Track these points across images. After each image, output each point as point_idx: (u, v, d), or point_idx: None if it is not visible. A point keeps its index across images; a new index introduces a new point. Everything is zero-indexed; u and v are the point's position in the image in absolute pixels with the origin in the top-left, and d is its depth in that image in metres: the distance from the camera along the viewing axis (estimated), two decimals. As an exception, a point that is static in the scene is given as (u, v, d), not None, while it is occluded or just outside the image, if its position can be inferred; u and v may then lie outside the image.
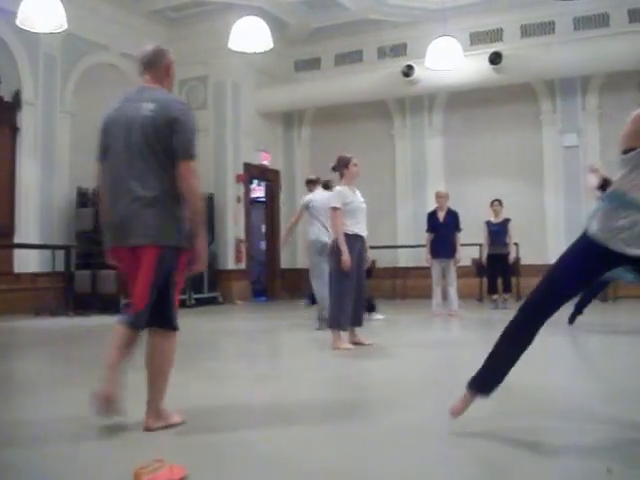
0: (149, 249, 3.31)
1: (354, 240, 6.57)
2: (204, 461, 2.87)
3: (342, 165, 6.82)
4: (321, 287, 8.02)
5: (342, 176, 6.84)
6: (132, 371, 3.55)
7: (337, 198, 6.64)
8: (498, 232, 10.74)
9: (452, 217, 9.90)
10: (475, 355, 5.83)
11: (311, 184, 8.87)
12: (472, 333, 8.12)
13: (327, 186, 8.54)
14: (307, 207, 8.52)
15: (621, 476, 2.60)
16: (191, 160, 3.40)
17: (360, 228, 6.70)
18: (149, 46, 3.73)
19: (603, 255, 3.00)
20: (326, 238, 7.90)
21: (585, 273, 3.14)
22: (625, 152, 3.08)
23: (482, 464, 2.86)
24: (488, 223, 10.88)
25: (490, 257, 10.82)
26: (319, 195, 8.52)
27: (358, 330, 6.71)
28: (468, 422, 3.32)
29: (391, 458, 2.90)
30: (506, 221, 10.83)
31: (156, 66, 3.67)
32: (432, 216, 10.10)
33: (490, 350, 3.23)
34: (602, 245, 2.98)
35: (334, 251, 6.55)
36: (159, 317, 3.42)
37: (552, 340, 6.83)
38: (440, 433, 3.24)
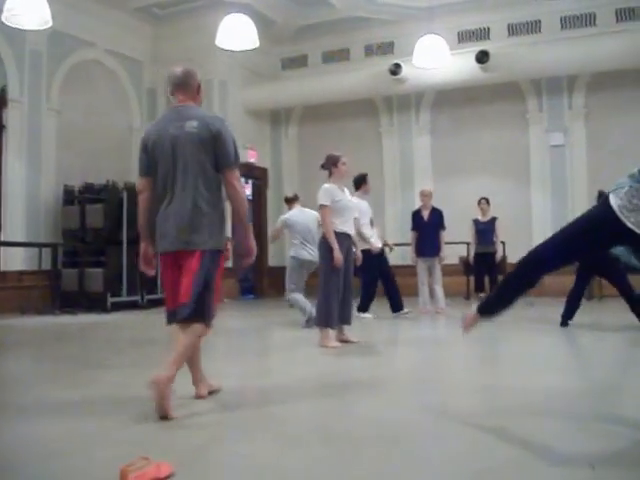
0: (198, 253, 3.74)
1: (343, 238, 6.58)
2: (190, 459, 2.87)
3: (331, 163, 6.84)
4: (295, 292, 8.27)
5: (331, 174, 6.86)
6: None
7: (325, 196, 6.62)
8: (485, 231, 10.78)
9: (436, 216, 9.93)
10: (461, 352, 5.87)
11: (289, 202, 8.93)
12: (459, 331, 8.14)
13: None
14: (286, 225, 8.62)
15: (604, 472, 2.63)
16: (235, 168, 3.84)
17: (348, 226, 6.71)
18: (179, 67, 4.08)
19: (616, 229, 3.01)
20: (306, 254, 8.14)
21: (593, 240, 3.19)
22: None
23: (466, 461, 2.87)
24: (476, 222, 10.91)
25: (477, 256, 10.86)
26: (297, 212, 8.59)
27: (347, 328, 6.72)
28: (454, 418, 3.33)
29: (376, 454, 2.91)
30: (493, 220, 10.87)
31: (188, 87, 4.02)
32: (417, 215, 10.13)
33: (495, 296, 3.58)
34: (619, 219, 2.98)
35: (323, 249, 6.56)
36: (195, 311, 3.78)
37: (542, 339, 6.88)
38: (426, 429, 3.26)
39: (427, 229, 9.83)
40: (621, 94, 12.30)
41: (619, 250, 5.59)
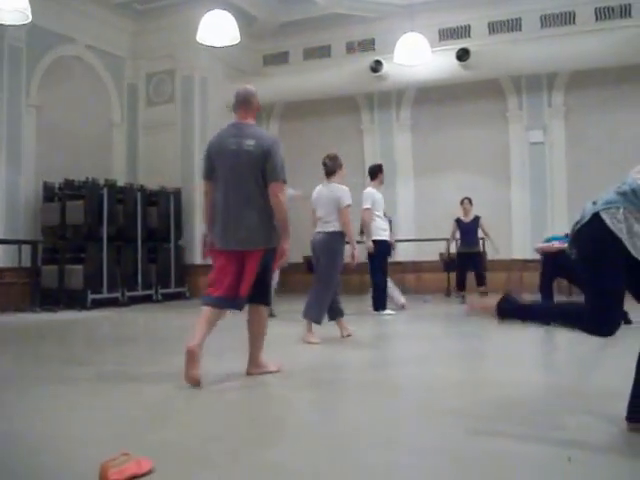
0: (257, 251, 4.48)
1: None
2: (171, 455, 2.88)
3: (338, 165, 7.18)
4: None
5: (334, 175, 7.10)
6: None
7: (349, 196, 6.93)
8: (469, 230, 10.85)
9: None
10: (443, 347, 5.90)
11: None
12: (441, 327, 8.21)
13: None
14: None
15: (580, 463, 2.67)
16: (279, 182, 4.50)
17: None
18: (242, 86, 4.85)
19: (619, 248, 2.82)
20: None
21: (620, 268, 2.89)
22: None
23: (447, 453, 2.90)
24: (459, 221, 10.98)
25: (460, 255, 10.93)
26: None
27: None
28: (436, 414, 3.36)
29: (359, 450, 2.94)
30: (476, 219, 10.94)
31: (250, 105, 4.74)
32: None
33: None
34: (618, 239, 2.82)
35: (331, 247, 6.75)
36: (259, 296, 4.63)
37: (521, 336, 6.93)
38: (408, 425, 3.28)
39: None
40: (600, 92, 12.40)
41: None
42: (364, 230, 8.73)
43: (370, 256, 8.83)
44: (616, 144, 12.18)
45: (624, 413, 3.07)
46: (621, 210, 2.80)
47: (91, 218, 11.07)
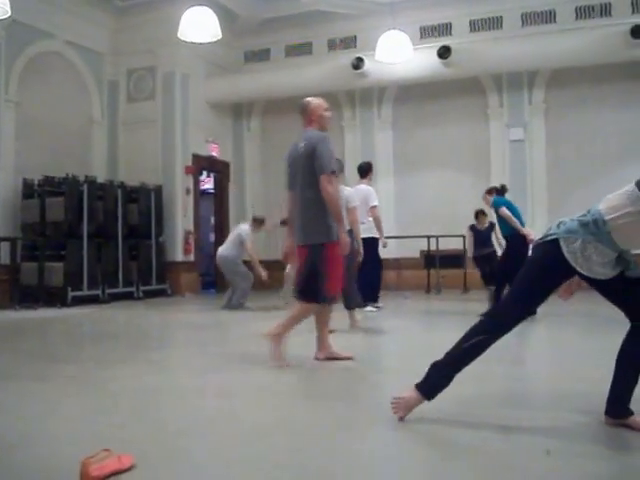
0: (303, 248, 4.88)
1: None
2: (152, 451, 2.87)
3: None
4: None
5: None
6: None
7: (355, 197, 7.45)
8: (484, 237, 10.86)
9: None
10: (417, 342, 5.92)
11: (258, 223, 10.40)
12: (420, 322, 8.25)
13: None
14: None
15: (559, 456, 2.71)
16: (327, 175, 4.77)
17: None
18: (303, 100, 5.24)
19: (570, 272, 3.11)
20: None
21: (550, 286, 3.19)
22: None
23: (428, 446, 2.92)
24: (473, 229, 10.91)
25: (477, 258, 10.88)
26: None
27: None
28: (418, 408, 3.37)
29: (341, 444, 2.95)
30: (491, 225, 10.93)
31: (305, 114, 5.16)
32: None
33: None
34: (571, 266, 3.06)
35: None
36: (301, 293, 4.95)
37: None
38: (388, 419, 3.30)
39: None
40: (580, 90, 12.49)
41: None
42: (378, 227, 8.65)
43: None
44: (595, 142, 12.30)
45: (603, 408, 3.10)
46: (579, 241, 3.00)
47: (71, 215, 11.00)
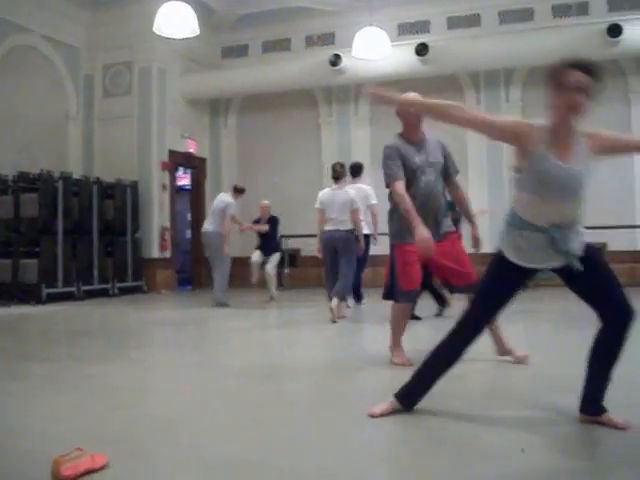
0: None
1: None
2: (127, 450, 2.84)
3: (345, 172, 8.50)
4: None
5: (342, 180, 8.31)
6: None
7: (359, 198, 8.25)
8: None
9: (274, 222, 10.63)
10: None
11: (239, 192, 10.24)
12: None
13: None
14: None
15: (534, 454, 2.72)
16: (389, 184, 4.86)
17: None
18: None
19: (517, 269, 3.12)
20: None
21: (507, 288, 3.21)
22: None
23: (402, 441, 2.92)
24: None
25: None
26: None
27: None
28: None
29: (311, 436, 2.93)
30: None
31: (401, 119, 5.20)
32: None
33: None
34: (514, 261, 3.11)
35: (351, 240, 7.97)
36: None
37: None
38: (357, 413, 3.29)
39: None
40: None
41: None
42: (375, 223, 8.83)
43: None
44: (571, 140, 12.37)
45: (577, 405, 3.12)
46: (507, 236, 3.14)
47: (46, 211, 10.88)
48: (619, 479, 2.52)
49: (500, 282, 3.19)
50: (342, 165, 8.39)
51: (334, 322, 7.35)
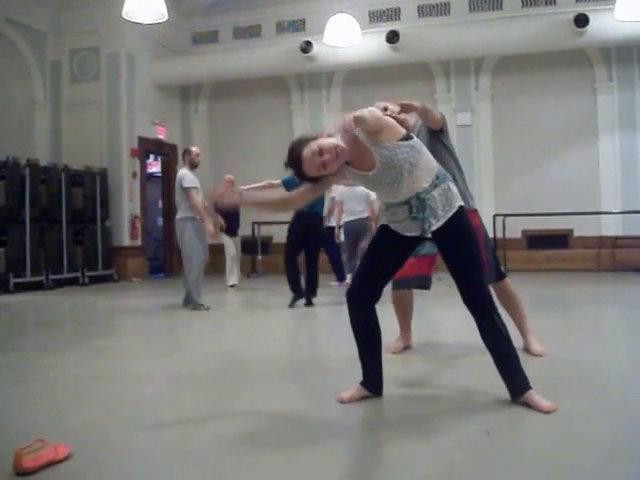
0: None
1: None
2: (91, 440, 2.83)
3: None
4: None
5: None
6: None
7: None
8: None
9: None
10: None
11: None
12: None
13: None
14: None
15: (498, 436, 2.79)
16: None
17: None
18: None
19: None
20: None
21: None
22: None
23: (367, 434, 2.93)
24: None
25: None
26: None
27: None
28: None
29: (282, 426, 2.94)
30: None
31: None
32: None
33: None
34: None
35: (367, 227, 9.16)
36: None
37: (440, 312, 7.05)
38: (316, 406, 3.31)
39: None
40: (525, 77, 12.69)
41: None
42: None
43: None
44: (538, 127, 12.52)
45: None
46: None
47: (12, 199, 10.72)
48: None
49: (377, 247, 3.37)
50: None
51: None
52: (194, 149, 8.25)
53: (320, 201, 8.05)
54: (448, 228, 3.11)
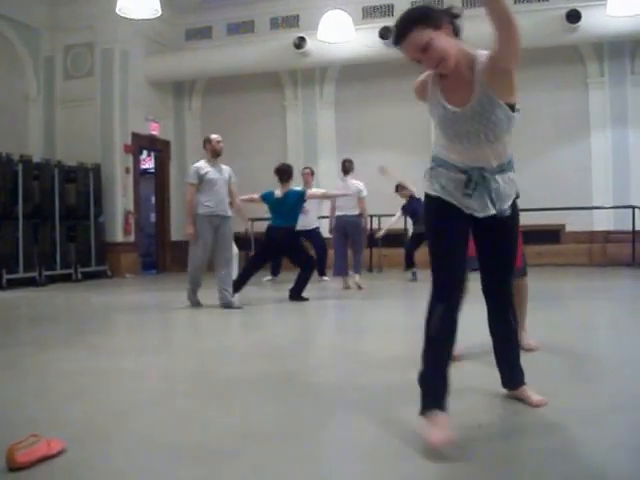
0: None
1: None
2: (85, 435, 2.85)
3: (353, 167, 9.85)
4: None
5: (350, 173, 9.77)
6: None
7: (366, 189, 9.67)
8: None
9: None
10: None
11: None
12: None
13: None
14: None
15: (489, 429, 2.83)
16: None
17: None
18: None
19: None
20: None
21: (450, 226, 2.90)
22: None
23: (357, 429, 2.96)
24: (409, 206, 10.79)
25: (416, 235, 10.72)
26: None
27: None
28: (343, 388, 3.40)
29: (273, 425, 2.96)
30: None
31: None
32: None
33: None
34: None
35: (360, 224, 9.61)
36: None
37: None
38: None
39: None
40: (518, 73, 12.69)
41: None
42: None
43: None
44: (531, 123, 12.53)
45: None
46: (428, 176, 3.02)
47: (5, 195, 10.72)
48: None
49: (442, 221, 2.88)
50: (350, 161, 9.83)
51: (360, 289, 9.24)
52: (214, 136, 7.93)
53: (293, 216, 8.23)
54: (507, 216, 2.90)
